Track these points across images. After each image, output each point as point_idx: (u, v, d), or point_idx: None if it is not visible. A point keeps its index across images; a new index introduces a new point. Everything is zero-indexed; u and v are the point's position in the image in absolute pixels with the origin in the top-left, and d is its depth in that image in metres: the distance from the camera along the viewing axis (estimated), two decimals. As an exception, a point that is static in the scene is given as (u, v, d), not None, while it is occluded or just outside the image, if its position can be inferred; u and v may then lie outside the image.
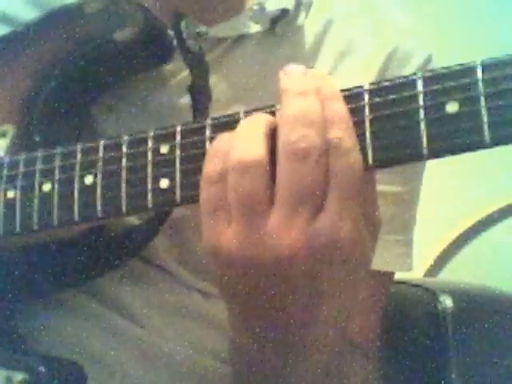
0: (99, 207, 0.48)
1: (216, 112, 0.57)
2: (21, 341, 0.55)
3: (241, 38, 0.62)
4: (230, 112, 0.57)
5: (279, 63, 0.60)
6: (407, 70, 0.64)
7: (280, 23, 0.62)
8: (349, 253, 0.41)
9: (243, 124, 0.42)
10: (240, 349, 0.50)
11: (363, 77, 0.62)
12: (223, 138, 0.43)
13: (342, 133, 0.40)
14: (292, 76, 0.42)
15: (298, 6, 0.63)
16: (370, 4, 0.67)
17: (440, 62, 0.64)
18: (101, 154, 0.49)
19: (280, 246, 0.40)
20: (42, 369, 0.50)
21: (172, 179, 0.46)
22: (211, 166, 0.42)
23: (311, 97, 0.41)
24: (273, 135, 0.41)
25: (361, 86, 0.42)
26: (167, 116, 0.59)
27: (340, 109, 0.41)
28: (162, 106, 0.59)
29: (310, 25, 0.64)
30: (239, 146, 0.41)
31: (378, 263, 0.58)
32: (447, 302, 0.71)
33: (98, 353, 0.58)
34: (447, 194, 1.37)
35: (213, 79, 0.59)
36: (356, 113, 0.41)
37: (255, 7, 0.61)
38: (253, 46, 0.62)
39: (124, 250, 0.58)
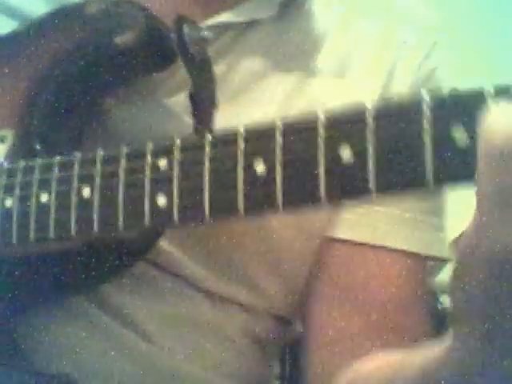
0: (96, 222, 0.47)
1: (226, 100, 0.56)
2: (18, 351, 0.55)
3: (250, 24, 0.61)
4: (241, 99, 0.58)
5: (289, 48, 0.61)
6: (419, 49, 0.62)
7: (289, 8, 0.61)
8: None
9: None
10: None
11: (374, 69, 0.61)
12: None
13: None
14: None
15: None
16: None
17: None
18: (99, 166, 0.48)
19: None
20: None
21: (170, 197, 0.44)
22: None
23: None
24: None
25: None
26: (167, 117, 0.57)
27: None
28: (161, 107, 0.58)
29: (318, 9, 0.63)
30: None
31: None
32: (447, 301, 0.68)
33: (98, 364, 0.57)
34: (448, 193, 1.34)
35: (223, 65, 0.58)
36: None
37: None
38: (262, 31, 0.61)
39: (126, 254, 0.57)
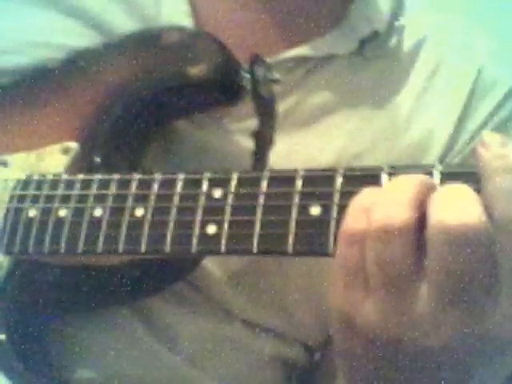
0: (143, 243, 0.47)
1: (292, 132, 0.58)
2: (48, 358, 0.55)
3: (327, 58, 0.61)
4: (306, 132, 0.59)
5: (364, 87, 0.62)
6: (492, 98, 0.63)
7: (369, 45, 0.61)
8: (509, 354, 0.36)
9: (393, 184, 0.37)
10: None
11: (452, 100, 0.62)
12: (370, 193, 0.38)
13: None
14: (492, 150, 0.36)
15: (389, 29, 0.62)
16: (458, 27, 0.67)
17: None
18: (155, 188, 0.48)
19: (429, 334, 0.35)
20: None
21: (220, 227, 0.44)
22: (352, 223, 0.37)
23: None
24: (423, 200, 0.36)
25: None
26: (226, 159, 0.58)
27: None
28: (222, 149, 0.58)
29: (400, 49, 0.63)
30: (386, 207, 0.36)
31: None
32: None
33: (130, 375, 0.58)
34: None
35: (293, 98, 0.59)
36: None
37: (345, 27, 0.61)
38: (339, 67, 0.61)
39: (170, 272, 0.57)
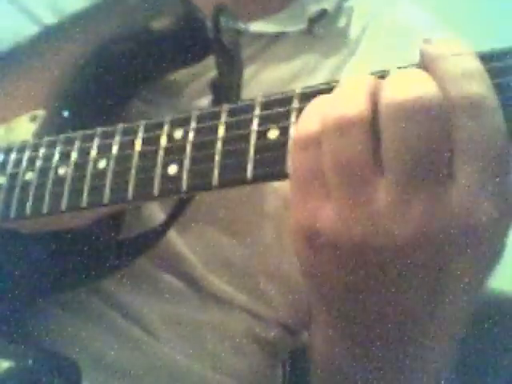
0: (106, 193, 0.45)
1: None
2: (22, 331, 0.53)
3: (279, 35, 0.61)
4: None
5: (314, 64, 0.61)
6: None
7: (318, 24, 0.61)
8: (483, 240, 0.33)
9: (345, 82, 0.35)
10: (328, 355, 0.43)
11: None
12: (323, 97, 0.36)
13: (484, 90, 0.32)
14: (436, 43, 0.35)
15: (337, 8, 0.62)
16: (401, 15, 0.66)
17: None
18: (117, 138, 0.47)
19: (395, 229, 0.32)
20: (30, 361, 0.46)
21: (181, 166, 0.42)
22: (305, 126, 0.35)
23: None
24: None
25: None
26: None
27: (479, 66, 0.33)
28: (192, 105, 0.57)
29: (348, 30, 0.63)
30: (339, 103, 0.34)
31: None
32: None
33: (102, 355, 0.56)
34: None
35: (248, 73, 0.58)
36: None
37: (296, 6, 0.61)
38: (290, 43, 0.62)
39: (125, 252, 0.56)
